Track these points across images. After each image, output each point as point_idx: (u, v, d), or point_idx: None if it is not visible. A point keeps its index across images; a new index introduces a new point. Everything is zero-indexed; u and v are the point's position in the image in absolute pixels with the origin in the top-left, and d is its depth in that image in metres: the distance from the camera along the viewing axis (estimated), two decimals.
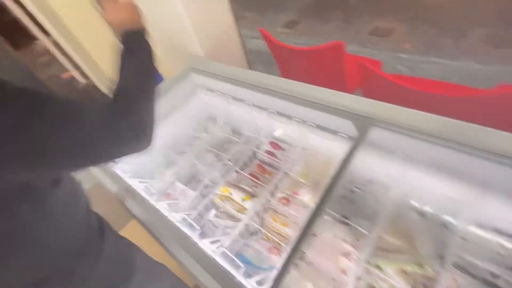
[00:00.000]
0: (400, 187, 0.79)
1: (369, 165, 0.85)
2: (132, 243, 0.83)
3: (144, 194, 0.92)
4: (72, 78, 2.68)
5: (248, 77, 1.07)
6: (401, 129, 0.74)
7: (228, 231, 0.97)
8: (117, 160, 0.58)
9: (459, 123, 0.70)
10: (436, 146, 0.69)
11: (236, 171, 1.10)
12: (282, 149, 1.12)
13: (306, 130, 0.94)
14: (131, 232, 0.92)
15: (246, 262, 0.90)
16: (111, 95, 0.57)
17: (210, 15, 1.33)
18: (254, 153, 1.18)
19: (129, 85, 0.59)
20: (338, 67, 1.38)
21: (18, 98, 0.44)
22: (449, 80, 1.75)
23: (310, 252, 0.84)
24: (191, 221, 0.85)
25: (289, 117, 0.98)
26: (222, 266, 0.71)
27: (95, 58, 2.16)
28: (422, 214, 0.85)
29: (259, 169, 1.14)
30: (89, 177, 1.04)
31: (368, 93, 1.41)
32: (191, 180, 1.24)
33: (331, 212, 0.89)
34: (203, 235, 0.88)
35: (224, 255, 0.76)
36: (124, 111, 0.55)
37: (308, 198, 0.96)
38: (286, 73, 1.70)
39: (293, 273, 0.82)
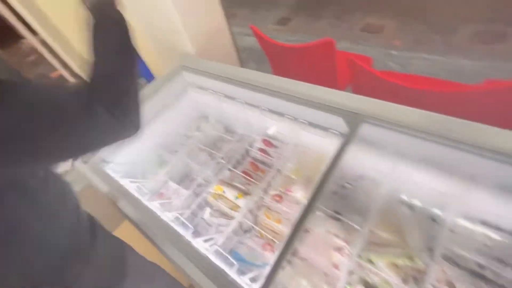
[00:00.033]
0: (390, 182, 0.80)
1: (360, 161, 0.86)
2: (125, 243, 0.83)
3: (136, 194, 0.92)
4: (61, 77, 2.63)
5: (240, 75, 1.07)
6: (390, 125, 0.75)
7: (222, 229, 0.98)
8: (106, 148, 0.56)
9: (448, 119, 0.71)
10: (425, 141, 0.70)
11: (229, 169, 1.10)
12: (275, 147, 1.13)
13: (298, 127, 0.94)
14: (124, 232, 0.91)
15: (240, 259, 0.90)
16: (87, 78, 0.53)
17: (201, 13, 1.32)
18: (247, 151, 1.18)
19: (103, 64, 0.55)
20: (329, 64, 1.38)
21: None
22: (439, 76, 1.78)
23: (303, 247, 0.85)
24: (184, 220, 0.85)
25: (281, 114, 0.98)
26: (215, 264, 0.71)
27: (86, 57, 2.12)
28: (411, 207, 0.87)
29: (252, 166, 1.14)
30: (80, 178, 1.02)
31: (358, 89, 1.42)
32: (184, 179, 1.24)
33: (323, 208, 0.90)
34: (196, 233, 0.88)
35: (218, 253, 0.76)
36: (99, 92, 0.51)
37: (300, 195, 0.97)
38: (278, 70, 1.70)
39: (286, 269, 0.82)
